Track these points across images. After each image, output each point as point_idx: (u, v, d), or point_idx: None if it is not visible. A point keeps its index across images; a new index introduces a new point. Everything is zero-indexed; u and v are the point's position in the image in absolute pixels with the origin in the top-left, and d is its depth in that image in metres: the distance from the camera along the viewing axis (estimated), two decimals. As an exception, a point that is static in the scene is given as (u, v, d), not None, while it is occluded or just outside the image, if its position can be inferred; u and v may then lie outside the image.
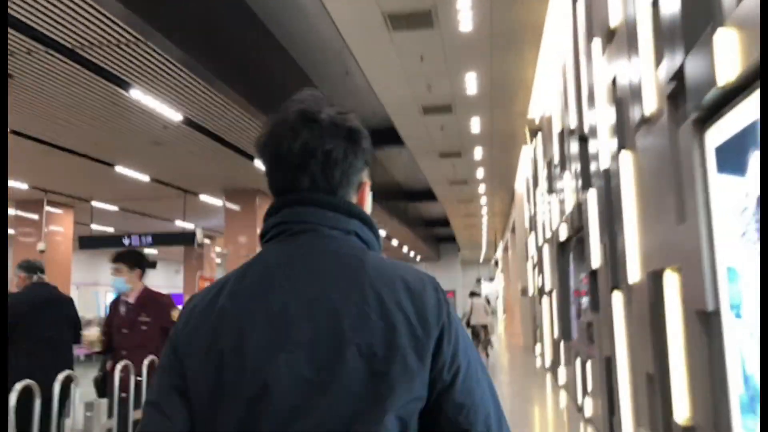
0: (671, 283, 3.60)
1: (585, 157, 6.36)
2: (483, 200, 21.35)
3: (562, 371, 9.98)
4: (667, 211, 3.50)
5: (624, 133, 4.58)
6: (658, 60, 3.57)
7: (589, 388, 7.13)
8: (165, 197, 15.61)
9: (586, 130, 6.31)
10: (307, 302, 0.94)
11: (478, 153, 14.62)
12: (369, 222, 1.08)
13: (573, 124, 7.00)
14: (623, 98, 4.54)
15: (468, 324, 14.95)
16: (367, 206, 1.13)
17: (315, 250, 1.00)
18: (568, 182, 7.75)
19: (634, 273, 4.38)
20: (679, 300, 3.52)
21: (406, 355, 0.91)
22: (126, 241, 15.23)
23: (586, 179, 6.33)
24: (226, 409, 0.91)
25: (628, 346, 4.80)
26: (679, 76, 3.14)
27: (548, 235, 10.77)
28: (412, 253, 37.21)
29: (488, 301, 19.35)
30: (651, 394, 4.06)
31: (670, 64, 3.25)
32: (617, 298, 5.04)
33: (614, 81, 4.80)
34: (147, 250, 28.73)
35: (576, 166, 6.90)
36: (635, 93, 4.04)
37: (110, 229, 21.21)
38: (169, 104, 8.67)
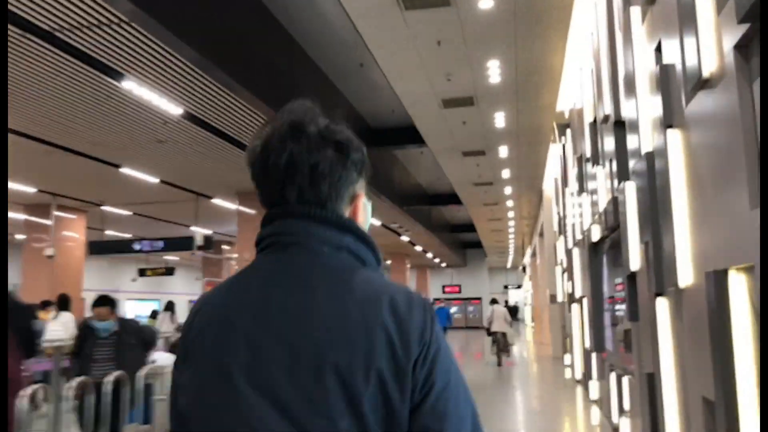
0: (739, 286, 2.85)
1: (622, 145, 5.59)
2: (509, 203, 20.49)
3: (594, 385, 9.17)
4: (734, 195, 2.75)
5: (671, 108, 3.82)
6: (721, 3, 2.82)
7: (626, 406, 6.33)
8: (178, 201, 15.13)
9: (623, 113, 5.55)
10: (289, 319, 0.95)
11: (503, 151, 13.83)
12: (363, 237, 1.06)
13: (608, 109, 6.23)
14: (670, 66, 3.79)
15: (489, 332, 15.57)
16: (363, 219, 1.12)
17: (301, 265, 1.00)
18: (602, 177, 6.98)
19: (686, 275, 3.61)
20: (749, 307, 2.77)
21: (383, 376, 0.91)
22: (137, 246, 14.79)
23: (622, 170, 5.56)
24: (210, 422, 0.92)
25: (676, 364, 4.02)
26: (752, 14, 2.40)
27: (579, 236, 9.98)
28: (437, 260, 36.37)
29: (516, 309, 20.08)
30: (710, 424, 3.28)
31: (740, 1, 2.50)
32: (662, 306, 4.27)
33: (659, 47, 4.04)
34: (166, 257, 28.50)
35: (610, 158, 6.13)
36: (688, 52, 3.28)
37: (128, 235, 20.87)
38: (167, 97, 8.10)
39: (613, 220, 6.27)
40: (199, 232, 15.47)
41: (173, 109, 8.50)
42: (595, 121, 7.57)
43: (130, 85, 7.54)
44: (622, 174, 5.53)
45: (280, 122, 1.05)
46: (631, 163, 5.21)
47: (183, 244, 14.86)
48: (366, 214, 1.13)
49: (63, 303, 8.60)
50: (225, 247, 23.58)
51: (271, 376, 0.91)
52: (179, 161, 11.97)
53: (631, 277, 5.41)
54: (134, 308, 25.07)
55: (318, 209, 1.03)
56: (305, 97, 1.09)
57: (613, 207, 6.14)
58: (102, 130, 9.63)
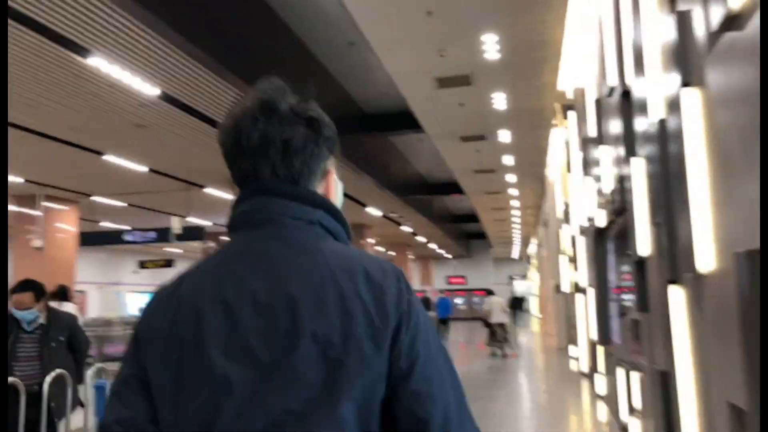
0: (776, 269, 2.30)
1: (629, 119, 5.05)
2: (512, 191, 19.92)
3: (600, 380, 8.65)
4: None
5: (687, 62, 3.26)
6: None
7: (636, 404, 5.80)
8: (170, 191, 14.63)
9: (629, 83, 4.99)
10: (266, 292, 0.95)
11: (503, 135, 13.25)
12: (335, 211, 1.08)
13: (613, 80, 5.67)
14: (686, 12, 3.24)
15: (486, 324, 15.55)
16: (335, 195, 1.13)
17: (275, 240, 1.01)
18: (608, 159, 6.43)
19: (707, 258, 3.07)
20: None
21: (362, 344, 0.92)
22: (128, 237, 14.33)
23: (629, 146, 5.01)
24: (186, 397, 0.92)
25: (696, 362, 3.48)
26: None
27: (584, 223, 9.44)
28: (441, 251, 35.84)
29: (522, 299, 20.51)
30: (738, 434, 2.75)
31: None
32: (677, 295, 3.73)
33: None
34: (167, 249, 28.11)
35: (617, 137, 5.58)
36: (710, -10, 2.73)
37: (125, 227, 20.44)
38: (141, 76, 7.57)
39: (619, 202, 5.73)
40: (177, 221, 14.92)
41: (149, 89, 7.97)
42: (599, 100, 7.02)
43: (97, 62, 7.01)
44: (630, 151, 4.98)
45: (251, 100, 1.06)
46: (640, 137, 4.66)
47: (167, 234, 14.37)
48: (338, 191, 1.14)
49: (62, 294, 8.34)
50: (225, 238, 23.10)
51: (249, 345, 0.92)
52: (164, 148, 11.47)
53: (640, 264, 4.88)
54: (137, 301, 24.95)
55: (290, 186, 1.05)
56: (292, 78, 1.10)
57: (620, 189, 5.61)
58: (76, 112, 9.11)
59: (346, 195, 17.85)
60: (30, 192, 14.32)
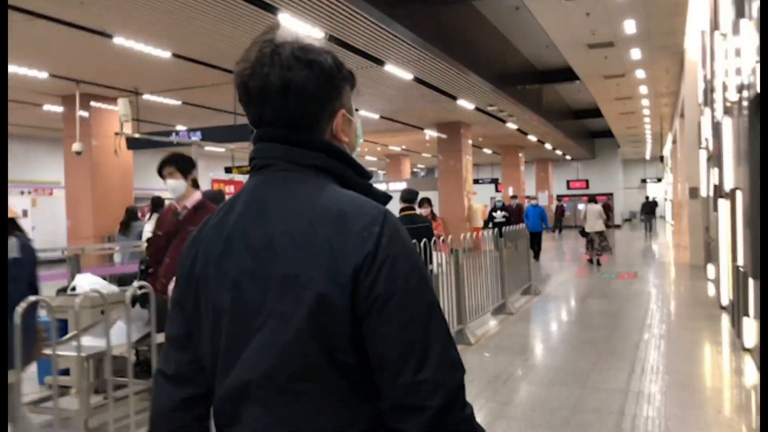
0: None
1: None
2: (639, 73, 16.09)
3: (749, 326, 5.82)
4: None
5: None
6: None
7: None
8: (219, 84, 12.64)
9: None
10: (255, 234, 1.07)
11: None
12: (338, 153, 1.12)
13: None
14: None
15: (583, 232, 15.10)
16: (348, 135, 1.16)
17: (270, 185, 1.10)
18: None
19: None
20: None
21: (324, 284, 0.99)
22: (174, 138, 12.63)
23: None
24: (202, 323, 1.11)
25: None
26: None
27: (733, 98, 6.34)
28: (559, 152, 32.04)
29: (654, 204, 19.79)
30: None
31: None
32: None
33: None
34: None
35: None
36: None
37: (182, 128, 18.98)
38: None
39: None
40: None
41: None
42: None
43: None
44: None
45: (259, 45, 1.10)
46: None
47: (229, 135, 12.44)
48: (351, 131, 1.18)
49: (156, 205, 8.49)
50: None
51: (238, 281, 1.06)
52: (189, 26, 9.34)
53: None
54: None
55: (288, 130, 1.10)
56: None
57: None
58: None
59: (429, 86, 15.14)
60: (70, 91, 12.87)
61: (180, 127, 14.79)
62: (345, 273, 0.98)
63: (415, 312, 0.98)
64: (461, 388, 1.00)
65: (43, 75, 11.79)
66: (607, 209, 32.17)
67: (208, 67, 11.73)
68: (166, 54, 10.72)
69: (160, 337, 3.76)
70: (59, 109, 14.24)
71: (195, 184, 4.22)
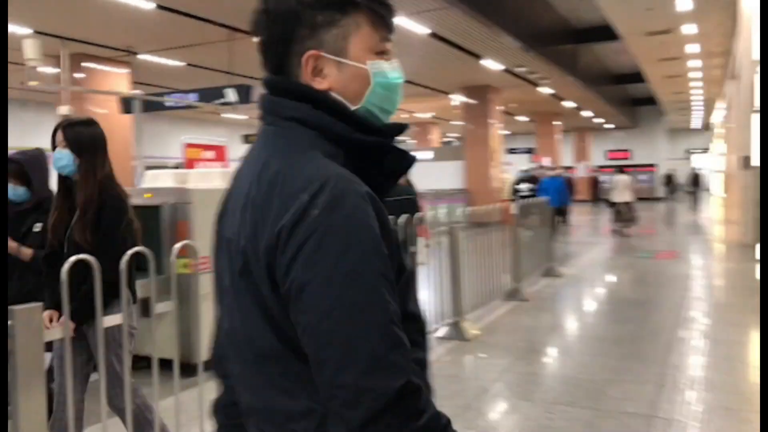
0: None
1: None
2: (687, 29, 14.42)
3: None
4: None
5: None
6: None
7: None
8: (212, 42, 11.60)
9: None
10: (228, 197, 1.06)
11: None
12: (328, 104, 0.98)
13: None
14: None
15: (611, 203, 15.09)
16: (354, 82, 1.00)
17: (257, 141, 1.03)
18: None
19: None
20: None
21: (247, 252, 0.94)
22: (169, 102, 11.70)
23: None
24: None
25: None
26: None
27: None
28: (599, 120, 30.17)
29: (696, 177, 22.83)
30: None
31: None
32: None
33: None
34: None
35: None
36: None
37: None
38: None
39: None
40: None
41: None
42: None
43: None
44: None
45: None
46: None
47: (215, 95, 11.44)
48: (342, 76, 0.99)
49: None
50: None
51: (218, 240, 1.06)
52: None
53: None
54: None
55: (273, 76, 1.01)
56: None
57: None
58: None
59: (450, 43, 13.80)
60: (57, 51, 11.99)
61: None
62: (259, 246, 0.91)
63: (339, 302, 0.86)
64: (403, 398, 0.84)
65: (28, 31, 10.90)
66: (670, 179, 30.44)
67: (205, 22, 10.70)
68: (150, 5, 9.69)
69: None
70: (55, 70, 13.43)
71: None
